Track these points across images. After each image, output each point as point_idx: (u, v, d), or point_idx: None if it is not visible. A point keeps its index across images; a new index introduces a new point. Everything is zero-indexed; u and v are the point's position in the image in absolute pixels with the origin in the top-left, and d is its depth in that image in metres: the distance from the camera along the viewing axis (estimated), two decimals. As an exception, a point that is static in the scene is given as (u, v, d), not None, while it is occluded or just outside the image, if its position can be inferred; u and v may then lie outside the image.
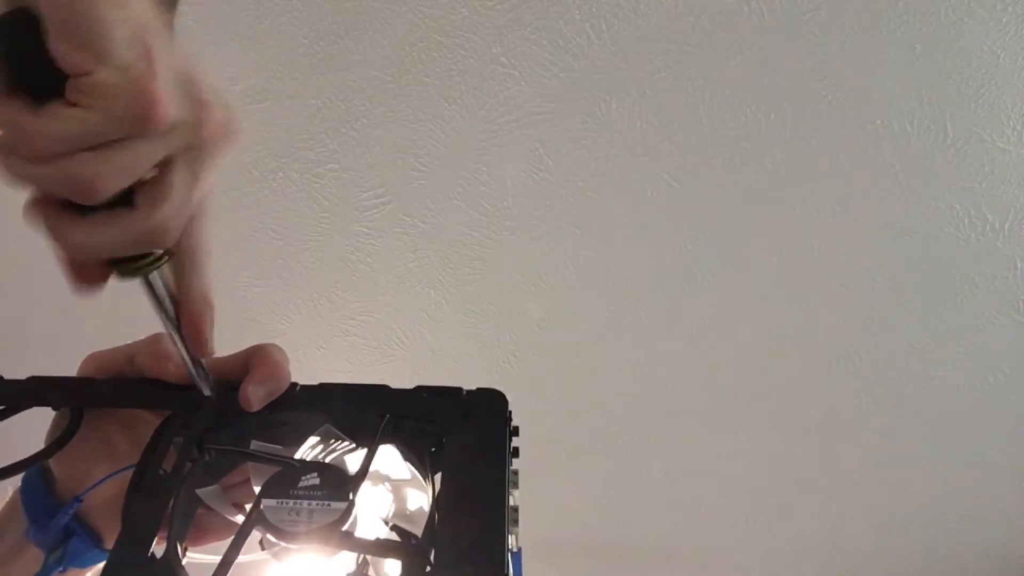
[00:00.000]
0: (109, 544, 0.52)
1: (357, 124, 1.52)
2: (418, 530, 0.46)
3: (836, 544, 2.45)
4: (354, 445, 0.49)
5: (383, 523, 0.48)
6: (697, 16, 1.38)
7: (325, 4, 1.36)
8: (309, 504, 0.44)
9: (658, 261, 1.75)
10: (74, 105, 0.34)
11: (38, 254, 1.76)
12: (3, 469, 0.48)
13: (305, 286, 1.78)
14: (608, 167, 1.59)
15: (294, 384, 0.52)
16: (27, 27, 0.33)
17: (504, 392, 0.51)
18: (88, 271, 0.42)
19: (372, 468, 0.46)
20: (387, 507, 0.49)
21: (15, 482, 0.51)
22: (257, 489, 0.46)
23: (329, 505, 0.44)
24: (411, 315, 1.84)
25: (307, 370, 2.04)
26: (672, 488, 2.28)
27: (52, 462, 0.51)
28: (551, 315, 1.85)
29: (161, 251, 0.42)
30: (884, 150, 1.56)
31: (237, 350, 1.79)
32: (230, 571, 0.42)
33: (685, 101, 1.50)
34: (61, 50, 0.33)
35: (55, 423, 0.52)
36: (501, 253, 1.72)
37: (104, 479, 0.51)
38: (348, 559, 0.47)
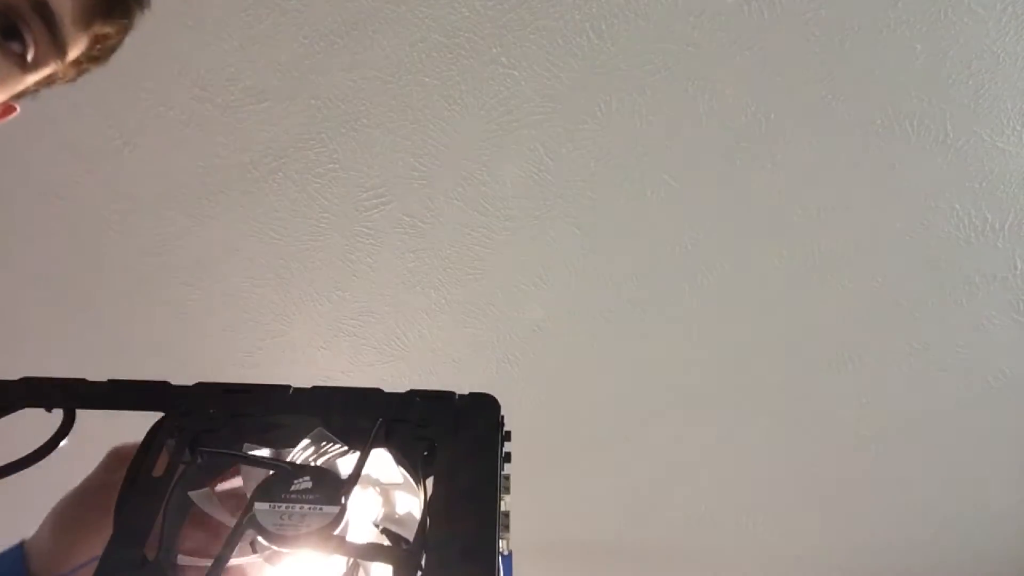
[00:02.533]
0: None
1: (357, 124, 1.52)
2: (409, 534, 0.46)
3: (836, 544, 2.45)
4: (346, 448, 0.49)
5: (374, 527, 0.48)
6: (697, 16, 1.38)
7: (325, 4, 1.36)
8: (301, 508, 0.44)
9: (658, 261, 1.75)
10: None
11: (38, 254, 1.76)
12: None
13: (305, 286, 1.78)
14: (608, 167, 1.59)
15: (288, 387, 0.52)
16: None
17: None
18: None
19: (364, 472, 0.46)
20: (377, 511, 0.49)
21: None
22: (249, 492, 0.46)
23: (321, 509, 0.44)
24: (411, 315, 1.84)
25: (307, 370, 2.04)
26: (672, 488, 2.28)
27: (47, 533, 0.50)
28: (551, 315, 1.85)
29: None
30: (884, 150, 1.56)
31: (238, 349, 1.82)
32: (222, 574, 0.42)
33: (685, 101, 1.50)
34: None
35: None
36: (501, 253, 1.72)
37: (88, 562, 0.50)
38: (339, 562, 0.47)
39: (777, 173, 1.60)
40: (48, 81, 0.68)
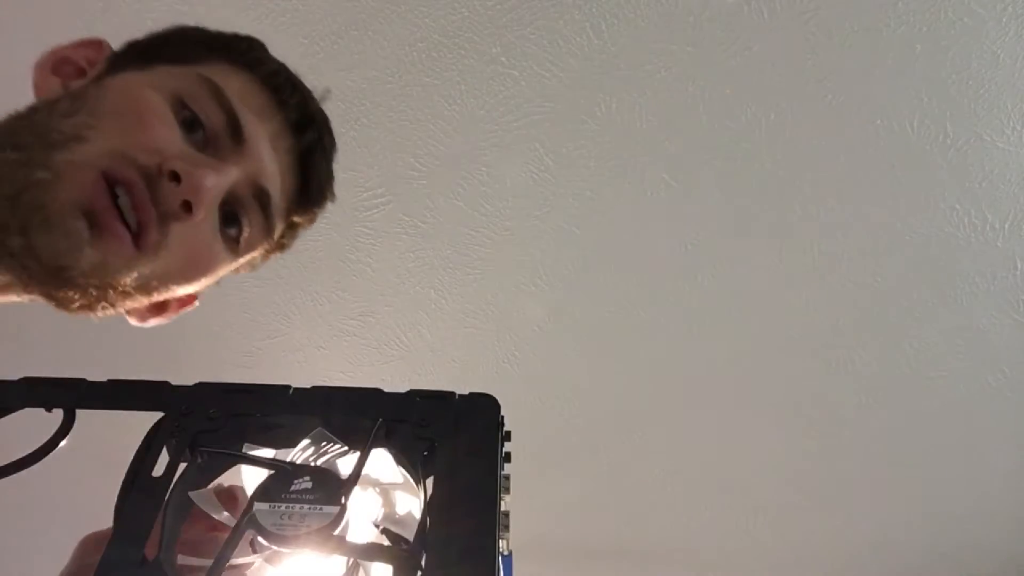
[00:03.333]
0: None
1: (357, 124, 1.52)
2: (409, 534, 0.46)
3: (836, 544, 2.45)
4: (346, 449, 0.49)
5: (374, 527, 0.48)
6: (697, 16, 1.38)
7: (325, 4, 1.37)
8: (301, 508, 0.44)
9: (658, 261, 1.75)
10: None
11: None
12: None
13: (305, 286, 1.78)
14: (608, 167, 1.59)
15: (288, 387, 0.52)
16: None
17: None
18: None
19: (364, 472, 0.46)
20: (377, 511, 0.49)
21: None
22: (249, 492, 0.46)
23: (321, 509, 0.44)
24: (411, 315, 1.84)
25: (307, 370, 2.04)
26: (672, 488, 2.28)
27: None
28: (551, 315, 1.85)
29: None
30: (884, 150, 1.56)
31: (238, 350, 1.82)
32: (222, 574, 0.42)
33: (685, 101, 1.50)
34: None
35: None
36: (501, 253, 1.73)
37: None
38: (339, 563, 0.47)
39: (777, 173, 1.60)
40: (246, 267, 0.75)
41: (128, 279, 0.63)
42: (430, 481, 0.47)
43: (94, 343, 1.86)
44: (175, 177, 0.60)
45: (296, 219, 0.75)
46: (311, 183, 0.73)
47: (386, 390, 0.52)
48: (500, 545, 0.43)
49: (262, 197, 0.68)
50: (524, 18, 1.38)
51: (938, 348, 1.90)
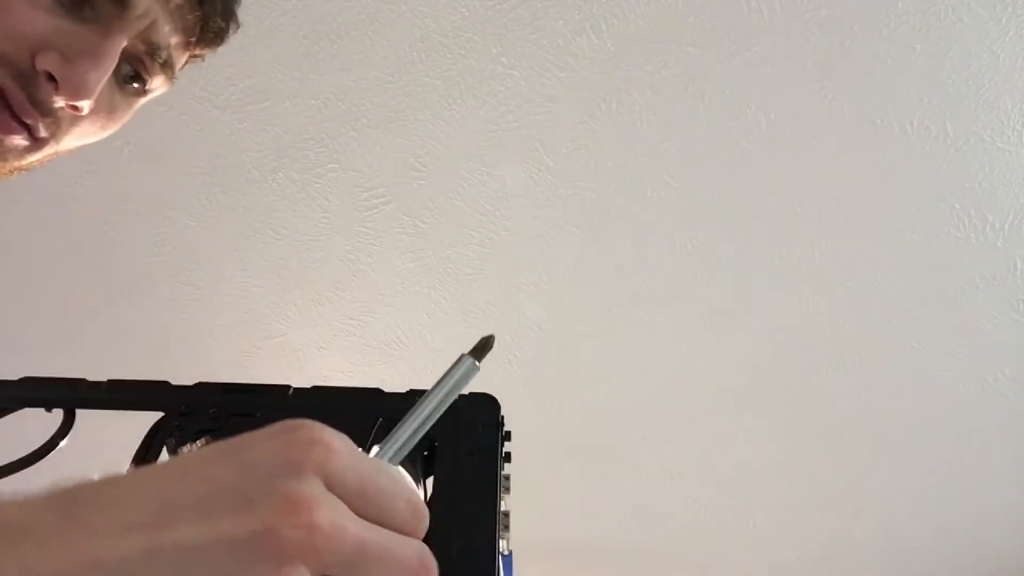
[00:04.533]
0: None
1: (357, 124, 1.52)
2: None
3: (835, 544, 2.45)
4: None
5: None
6: (697, 16, 1.38)
7: (325, 4, 1.36)
8: (301, 507, 0.44)
9: (658, 261, 1.75)
10: None
11: (38, 254, 1.76)
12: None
13: (305, 286, 1.78)
14: (608, 167, 1.59)
15: (288, 387, 0.52)
16: None
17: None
18: None
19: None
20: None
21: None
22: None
23: None
24: (411, 315, 1.84)
25: (307, 370, 2.03)
26: (672, 488, 2.28)
27: None
28: (551, 315, 1.85)
29: None
30: (884, 150, 1.56)
31: (238, 349, 1.81)
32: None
33: (685, 101, 1.50)
34: None
35: None
36: (501, 253, 1.72)
37: None
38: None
39: (777, 173, 1.60)
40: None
41: (32, 161, 0.63)
42: (430, 481, 0.47)
43: (94, 343, 1.86)
44: (52, 78, 0.57)
45: (198, 53, 0.72)
46: (209, 20, 0.68)
47: (386, 390, 0.52)
48: (500, 545, 0.43)
49: (156, 52, 0.65)
50: (524, 18, 1.38)
51: (938, 348, 1.90)
